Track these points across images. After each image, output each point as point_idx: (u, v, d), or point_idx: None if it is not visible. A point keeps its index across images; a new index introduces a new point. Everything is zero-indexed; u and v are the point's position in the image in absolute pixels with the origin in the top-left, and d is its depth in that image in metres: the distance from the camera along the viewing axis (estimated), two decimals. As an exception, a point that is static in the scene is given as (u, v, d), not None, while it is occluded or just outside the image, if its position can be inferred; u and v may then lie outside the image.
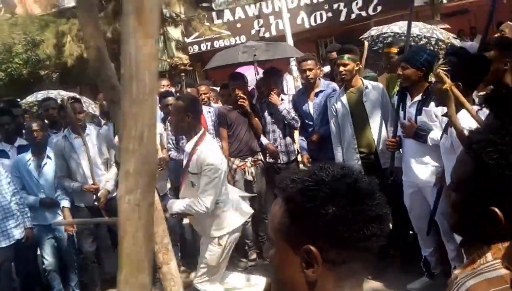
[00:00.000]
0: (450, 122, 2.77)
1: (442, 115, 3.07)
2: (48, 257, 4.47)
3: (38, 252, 4.63)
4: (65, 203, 4.40)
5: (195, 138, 3.41)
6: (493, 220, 1.05)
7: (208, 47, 14.02)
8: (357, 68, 4.12)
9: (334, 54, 4.88)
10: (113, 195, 4.41)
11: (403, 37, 4.88)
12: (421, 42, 5.42)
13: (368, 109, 4.09)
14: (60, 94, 6.90)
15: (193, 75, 14.20)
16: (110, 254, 4.65)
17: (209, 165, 3.27)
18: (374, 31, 6.20)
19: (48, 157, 4.49)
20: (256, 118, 4.80)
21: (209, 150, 3.36)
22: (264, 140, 4.81)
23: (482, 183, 1.08)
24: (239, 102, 4.67)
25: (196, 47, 14.23)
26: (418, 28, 5.63)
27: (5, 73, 12.94)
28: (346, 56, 4.07)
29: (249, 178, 4.74)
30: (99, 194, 4.31)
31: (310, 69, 4.62)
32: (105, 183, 4.40)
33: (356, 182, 0.92)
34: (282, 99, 4.77)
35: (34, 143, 4.47)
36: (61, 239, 4.50)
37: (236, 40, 13.79)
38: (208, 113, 4.92)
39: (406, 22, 4.56)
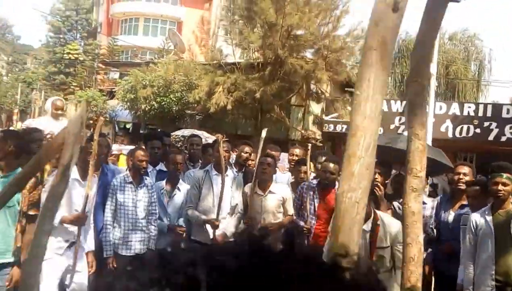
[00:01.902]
0: None
1: None
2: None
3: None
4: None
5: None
6: None
7: (344, 130, 14.14)
8: None
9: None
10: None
11: None
12: None
13: None
14: (203, 135, 7.43)
15: (321, 152, 14.34)
16: None
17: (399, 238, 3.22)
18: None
19: (178, 188, 4.75)
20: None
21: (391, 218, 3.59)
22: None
23: None
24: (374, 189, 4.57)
25: (331, 126, 14.46)
26: None
27: (159, 105, 14.38)
28: (505, 175, 3.79)
29: None
30: (217, 234, 4.40)
31: (466, 174, 4.38)
32: (226, 225, 4.49)
33: None
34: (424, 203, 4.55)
35: (173, 174, 4.78)
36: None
37: (372, 130, 13.75)
38: None
39: None
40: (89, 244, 4.11)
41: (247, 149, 5.28)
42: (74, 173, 3.84)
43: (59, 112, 6.07)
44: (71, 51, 32.08)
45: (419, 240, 1.97)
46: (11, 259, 3.59)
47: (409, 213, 1.97)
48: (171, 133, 8.09)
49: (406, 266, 2.04)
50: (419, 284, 1.93)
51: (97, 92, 18.89)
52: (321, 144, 14.18)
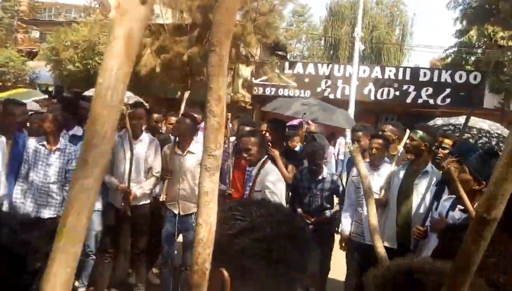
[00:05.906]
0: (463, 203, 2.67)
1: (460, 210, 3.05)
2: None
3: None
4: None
5: None
6: None
7: (272, 93, 14.41)
8: (423, 148, 4.09)
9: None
10: (140, 203, 4.60)
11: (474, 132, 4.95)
12: (485, 138, 5.37)
13: (416, 192, 4.07)
14: (126, 96, 7.29)
15: (251, 115, 14.54)
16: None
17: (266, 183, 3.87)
18: (440, 121, 6.19)
19: None
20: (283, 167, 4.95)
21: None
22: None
23: None
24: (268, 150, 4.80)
25: (261, 89, 14.67)
26: (488, 125, 5.59)
27: (84, 68, 13.78)
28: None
29: None
30: (128, 191, 4.46)
31: (359, 141, 4.75)
32: (137, 188, 4.56)
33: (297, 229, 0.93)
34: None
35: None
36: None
37: (300, 93, 14.11)
38: None
39: (478, 119, 4.63)
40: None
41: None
42: None
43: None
44: (-14, 7, 29.51)
45: (211, 221, 1.80)
46: None
47: (203, 193, 1.80)
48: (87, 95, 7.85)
49: (195, 247, 1.82)
50: (207, 266, 1.76)
51: (15, 52, 17.62)
52: (250, 107, 14.37)
